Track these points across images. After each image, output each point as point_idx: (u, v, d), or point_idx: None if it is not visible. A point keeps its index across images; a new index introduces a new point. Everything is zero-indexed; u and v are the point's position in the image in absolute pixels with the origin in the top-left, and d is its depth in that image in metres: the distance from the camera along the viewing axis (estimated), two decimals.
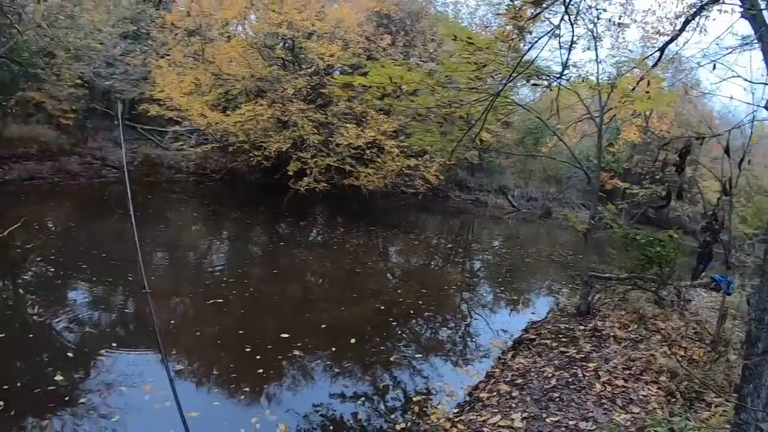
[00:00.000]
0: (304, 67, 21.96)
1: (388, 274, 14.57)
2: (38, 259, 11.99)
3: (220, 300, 10.03)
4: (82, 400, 6.34)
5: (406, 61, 21.74)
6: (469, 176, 31.67)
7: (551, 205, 30.40)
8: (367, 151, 20.41)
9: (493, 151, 23.44)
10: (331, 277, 13.23)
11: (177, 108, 21.36)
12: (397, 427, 6.48)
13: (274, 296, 11.05)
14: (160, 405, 6.22)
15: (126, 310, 9.73)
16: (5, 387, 6.31)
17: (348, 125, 20.34)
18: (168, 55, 23.77)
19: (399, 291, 12.31)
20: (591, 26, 9.96)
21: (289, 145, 20.08)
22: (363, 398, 7.13)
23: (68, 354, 7.49)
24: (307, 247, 16.42)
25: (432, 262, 16.85)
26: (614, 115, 12.18)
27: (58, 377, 6.70)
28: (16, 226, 12.28)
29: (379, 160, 20.73)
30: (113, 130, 26.94)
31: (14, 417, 5.82)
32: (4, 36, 17.71)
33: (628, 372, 6.85)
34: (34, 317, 8.89)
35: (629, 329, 8.67)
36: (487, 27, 27.20)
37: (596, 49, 10.26)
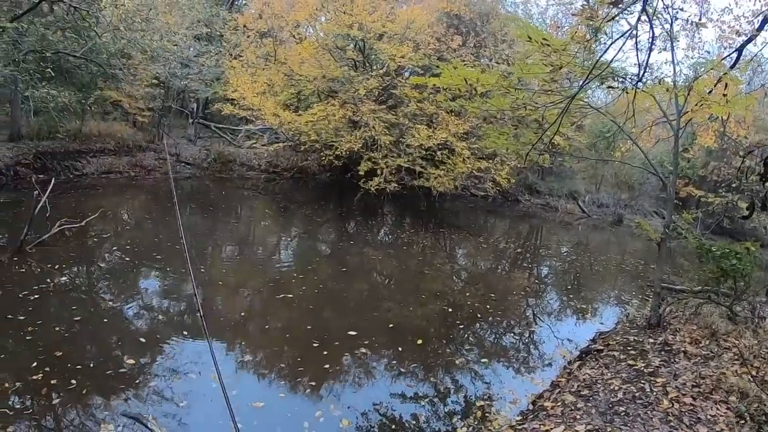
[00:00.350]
0: (375, 68, 22.16)
1: (454, 277, 14.58)
2: (114, 248, 12.57)
3: (290, 295, 10.30)
4: (151, 384, 6.67)
5: (477, 61, 21.80)
6: (540, 180, 31.18)
7: (623, 212, 29.45)
8: (438, 153, 20.47)
9: (565, 155, 23.20)
10: (397, 277, 13.29)
11: (250, 107, 21.85)
12: (458, 431, 6.52)
13: (342, 293, 11.22)
14: (228, 393, 6.59)
15: (201, 300, 10.07)
16: (78, 367, 6.74)
17: (419, 126, 20.41)
18: (241, 56, 24.37)
19: (464, 294, 12.31)
20: (667, 26, 9.78)
21: (360, 145, 20.26)
22: (424, 400, 7.17)
23: (140, 339, 7.91)
24: (375, 247, 16.60)
25: (499, 266, 16.83)
26: (690, 119, 11.95)
27: (129, 360, 7.11)
28: (93, 216, 13.04)
29: (449, 161, 20.74)
30: (187, 128, 27.83)
31: (84, 395, 6.20)
32: (83, 38, 18.43)
33: (697, 390, 6.65)
34: (109, 302, 9.40)
35: (700, 345, 8.43)
36: (559, 27, 26.96)
37: (673, 50, 10.03)
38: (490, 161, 21.21)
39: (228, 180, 24.03)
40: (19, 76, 17.03)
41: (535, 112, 9.87)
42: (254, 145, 24.35)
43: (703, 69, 11.18)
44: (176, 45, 21.12)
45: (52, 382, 6.31)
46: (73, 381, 6.40)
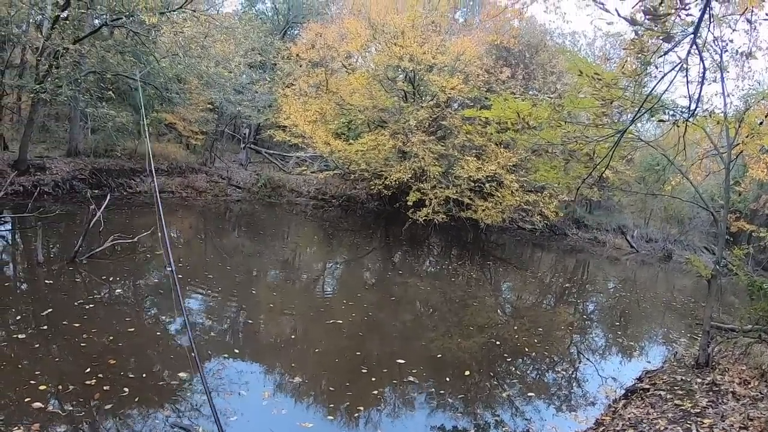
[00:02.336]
0: (425, 99, 22.32)
1: (499, 310, 14.35)
2: (163, 265, 12.73)
3: (340, 321, 10.25)
4: (200, 398, 6.64)
5: (526, 93, 21.78)
6: (588, 214, 30.79)
7: (672, 247, 28.86)
8: (486, 185, 20.38)
9: (615, 188, 22.89)
10: (442, 308, 13.09)
11: (302, 135, 22.21)
12: None
13: (390, 322, 11.15)
14: (278, 411, 6.60)
15: (248, 321, 10.10)
16: (130, 376, 6.83)
17: (468, 158, 20.40)
18: (293, 84, 24.85)
19: (509, 327, 12.04)
20: (717, 57, 9.58)
21: (409, 176, 20.32)
22: None
23: (190, 354, 7.96)
24: (421, 277, 16.46)
25: (544, 301, 16.52)
26: (741, 152, 11.65)
27: (180, 374, 7.14)
28: (145, 233, 13.25)
29: (498, 194, 20.62)
30: (239, 153, 28.42)
31: (136, 403, 6.26)
32: (142, 62, 19.06)
33: None
34: (158, 317, 9.55)
35: (749, 385, 8.03)
36: (608, 59, 26.87)
37: (723, 82, 9.79)
38: (539, 194, 21.00)
39: (277, 205, 24.34)
40: (80, 95, 17.69)
41: (586, 145, 9.70)
42: (304, 171, 24.64)
43: (753, 100, 10.90)
44: (231, 72, 21.62)
45: (105, 388, 6.38)
46: (126, 389, 6.46)
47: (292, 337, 9.62)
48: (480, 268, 18.85)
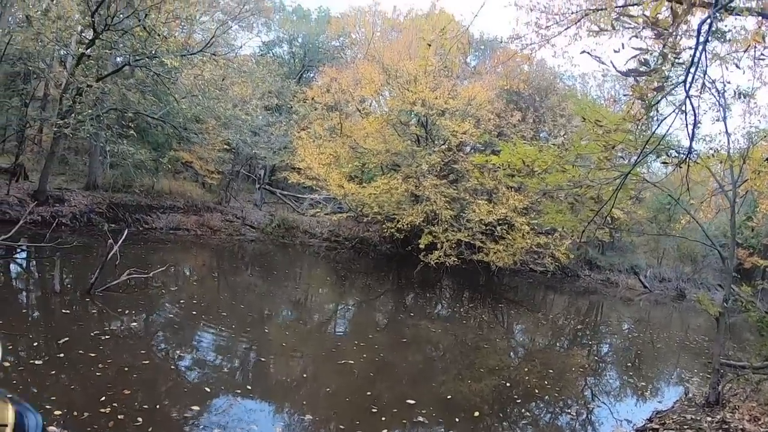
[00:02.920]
0: (437, 143, 22.64)
1: (511, 353, 14.24)
2: (180, 301, 12.94)
3: (351, 362, 10.23)
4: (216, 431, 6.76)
5: (536, 136, 22.03)
6: (600, 255, 30.55)
7: (685, 286, 28.68)
8: (498, 228, 20.48)
9: (625, 229, 22.89)
10: (454, 351, 13.07)
11: (316, 177, 22.53)
12: None
13: (401, 363, 11.12)
14: None
15: (260, 360, 10.23)
16: (144, 406, 6.91)
17: (479, 201, 20.56)
18: (308, 127, 25.30)
19: (521, 370, 11.95)
20: (719, 97, 9.67)
21: (421, 219, 20.47)
22: None
23: (205, 389, 7.99)
24: (432, 319, 16.39)
25: (557, 343, 16.42)
26: (749, 188, 11.64)
27: (194, 407, 7.23)
28: (160, 269, 13.45)
29: (509, 236, 20.68)
30: (254, 193, 28.79)
31: None
32: (162, 101, 19.59)
33: None
34: (174, 351, 9.63)
35: (759, 422, 7.97)
36: (615, 102, 27.17)
37: (725, 121, 9.84)
38: (550, 236, 21.02)
39: (290, 246, 24.52)
40: (101, 131, 18.17)
41: (592, 189, 9.85)
42: (317, 213, 24.92)
43: (757, 137, 10.98)
44: (248, 114, 22.12)
45: (119, 417, 6.46)
46: (140, 419, 6.54)
47: (304, 376, 9.67)
48: (492, 310, 18.81)
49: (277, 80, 25.82)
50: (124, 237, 13.01)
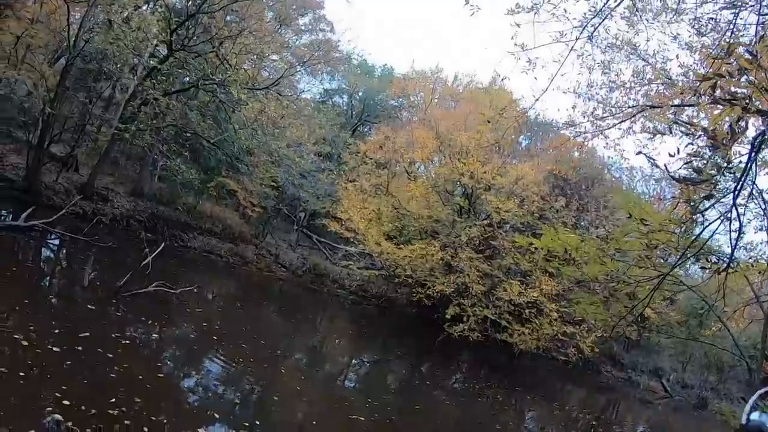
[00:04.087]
0: (479, 216, 22.64)
1: None
2: (203, 323, 12.97)
3: (362, 418, 10.09)
4: None
5: (577, 224, 21.88)
6: (625, 352, 29.69)
7: (708, 395, 27.57)
8: (526, 311, 20.13)
9: (654, 330, 22.36)
10: (463, 427, 12.65)
11: (355, 230, 22.63)
12: None
13: (412, 430, 10.96)
14: None
15: (268, 398, 10.09)
16: (152, 418, 6.87)
17: (512, 281, 20.32)
18: (356, 180, 25.53)
19: None
20: (765, 206, 9.53)
21: (452, 289, 20.31)
22: None
23: (213, 414, 7.96)
24: (447, 391, 16.07)
25: None
26: None
27: (200, 429, 7.17)
28: (189, 288, 13.54)
29: (536, 321, 20.27)
30: (290, 233, 29.01)
31: None
32: (220, 128, 20.10)
33: None
34: (192, 371, 9.81)
35: None
36: (661, 199, 26.90)
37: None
38: (577, 327, 20.53)
39: (317, 292, 24.43)
40: (158, 144, 18.68)
41: (627, 285, 9.72)
42: (350, 265, 24.88)
43: None
44: (300, 156, 22.52)
45: (126, 422, 6.36)
46: (145, 428, 6.46)
47: (312, 423, 9.51)
48: (507, 392, 18.35)
49: (333, 128, 26.34)
50: (160, 249, 13.18)
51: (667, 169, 4.10)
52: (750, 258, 10.28)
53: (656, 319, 21.71)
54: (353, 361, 16.82)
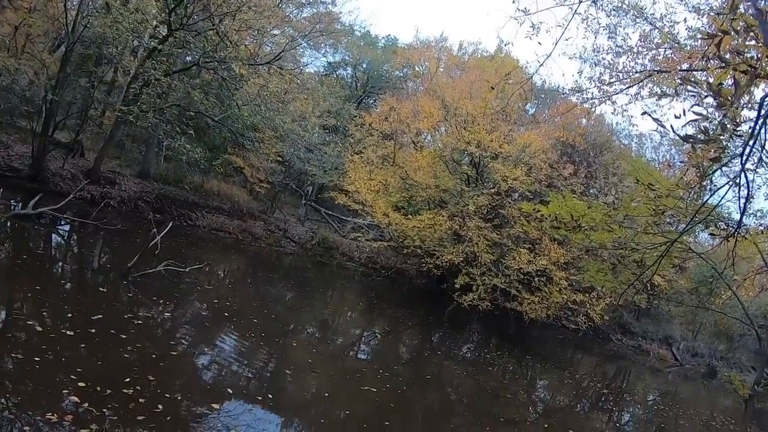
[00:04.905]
0: (486, 185, 22.53)
1: (530, 407, 13.85)
2: (214, 300, 13.11)
3: (374, 389, 10.18)
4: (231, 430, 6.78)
5: (586, 192, 21.75)
6: (635, 320, 29.81)
7: (718, 364, 27.55)
8: (536, 279, 20.11)
9: (664, 298, 22.28)
10: (474, 396, 12.87)
11: (362, 202, 22.59)
12: None
13: (421, 400, 11.06)
14: None
15: (281, 371, 10.24)
16: (166, 395, 7.02)
17: (521, 249, 20.26)
18: (362, 152, 25.42)
19: (538, 426, 11.57)
20: None
21: (461, 259, 20.27)
22: None
23: (227, 390, 8.06)
24: (457, 360, 16.19)
25: (578, 405, 15.96)
26: None
27: (214, 405, 7.32)
28: (198, 266, 13.67)
29: (545, 289, 20.23)
30: (299, 208, 29.06)
31: (167, 422, 6.41)
32: (224, 105, 20.01)
33: None
34: (204, 347, 9.91)
35: None
36: (670, 166, 26.71)
37: None
38: (587, 295, 20.47)
39: (327, 265, 24.63)
40: (162, 124, 18.63)
41: (636, 253, 9.68)
42: (358, 237, 24.92)
43: None
44: (305, 130, 22.40)
45: (140, 400, 6.51)
46: (160, 406, 6.60)
47: (324, 395, 9.60)
48: (517, 361, 18.46)
49: (337, 101, 26.13)
50: (168, 228, 13.22)
51: (673, 129, 4.02)
52: (760, 226, 10.20)
53: (665, 286, 21.63)
54: (364, 333, 16.91)
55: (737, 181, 4.63)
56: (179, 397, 7.22)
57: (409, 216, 22.58)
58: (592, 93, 10.57)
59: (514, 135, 22.67)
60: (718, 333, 31.15)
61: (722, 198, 5.38)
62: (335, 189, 25.63)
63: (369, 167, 24.24)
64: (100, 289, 10.72)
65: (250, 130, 21.42)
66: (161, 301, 11.11)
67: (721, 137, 3.90)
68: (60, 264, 12.49)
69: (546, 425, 11.86)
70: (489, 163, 22.09)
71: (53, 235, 14.48)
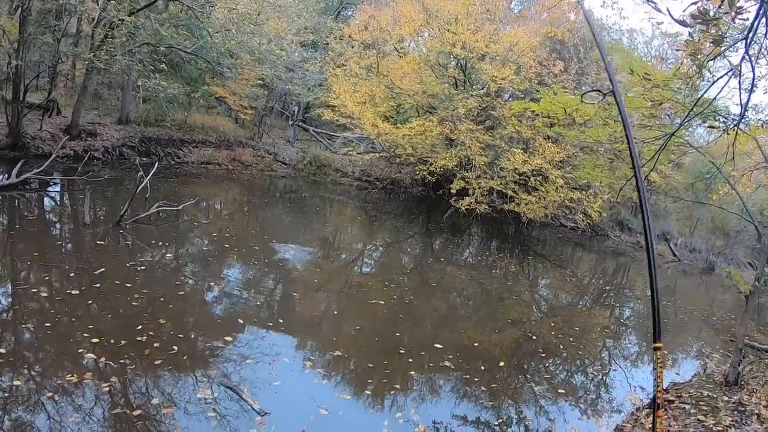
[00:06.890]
0: (475, 87, 22.16)
1: (534, 306, 14.06)
2: (213, 234, 13.23)
3: (381, 302, 10.32)
4: (246, 362, 6.88)
5: (578, 88, 21.38)
6: (632, 217, 29.80)
7: (715, 259, 27.78)
8: (532, 179, 20.16)
9: (661, 193, 22.29)
10: (477, 299, 13.04)
11: (350, 115, 22.31)
12: None
13: (428, 307, 11.18)
14: (318, 381, 6.86)
15: (288, 295, 10.35)
16: (179, 336, 7.18)
17: (515, 150, 20.17)
18: (344, 65, 24.90)
19: (542, 325, 11.74)
20: None
21: (454, 164, 20.20)
22: (485, 427, 6.87)
23: (238, 321, 8.18)
24: (458, 266, 16.36)
25: (580, 302, 16.17)
26: None
27: (227, 338, 7.41)
28: (189, 202, 13.67)
29: (542, 188, 20.31)
30: (287, 129, 28.71)
31: (184, 361, 6.51)
32: (195, 36, 19.35)
33: None
34: (208, 283, 9.91)
35: None
36: (663, 60, 26.24)
37: None
38: (583, 192, 20.52)
39: (321, 183, 24.62)
40: (134, 65, 18.04)
41: None
42: (350, 152, 24.85)
43: None
44: (283, 50, 21.77)
45: (155, 345, 6.59)
46: (175, 347, 6.69)
47: (334, 313, 9.76)
48: (519, 262, 18.66)
49: (313, 16, 25.31)
50: (155, 170, 13.10)
51: (669, 13, 3.78)
52: (759, 120, 9.98)
53: (662, 182, 21.60)
54: (366, 246, 17.06)
55: (737, 71, 4.41)
56: (193, 336, 7.38)
57: (399, 125, 22.33)
58: None
59: (501, 34, 22.05)
60: (714, 229, 31.29)
61: (720, 90, 5.21)
62: (321, 106, 25.26)
63: (353, 79, 23.82)
64: (99, 242, 10.67)
65: (227, 58, 20.76)
66: (161, 244, 11.15)
67: (724, 16, 3.68)
68: (55, 226, 12.39)
69: (552, 323, 12.07)
70: (476, 65, 21.64)
71: (44, 198, 14.31)
